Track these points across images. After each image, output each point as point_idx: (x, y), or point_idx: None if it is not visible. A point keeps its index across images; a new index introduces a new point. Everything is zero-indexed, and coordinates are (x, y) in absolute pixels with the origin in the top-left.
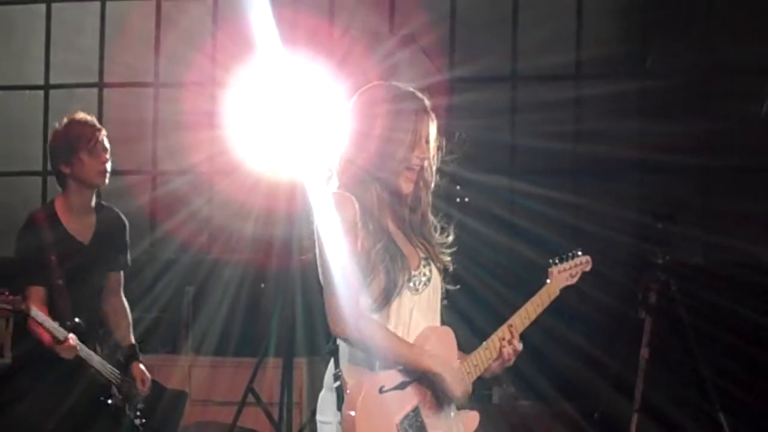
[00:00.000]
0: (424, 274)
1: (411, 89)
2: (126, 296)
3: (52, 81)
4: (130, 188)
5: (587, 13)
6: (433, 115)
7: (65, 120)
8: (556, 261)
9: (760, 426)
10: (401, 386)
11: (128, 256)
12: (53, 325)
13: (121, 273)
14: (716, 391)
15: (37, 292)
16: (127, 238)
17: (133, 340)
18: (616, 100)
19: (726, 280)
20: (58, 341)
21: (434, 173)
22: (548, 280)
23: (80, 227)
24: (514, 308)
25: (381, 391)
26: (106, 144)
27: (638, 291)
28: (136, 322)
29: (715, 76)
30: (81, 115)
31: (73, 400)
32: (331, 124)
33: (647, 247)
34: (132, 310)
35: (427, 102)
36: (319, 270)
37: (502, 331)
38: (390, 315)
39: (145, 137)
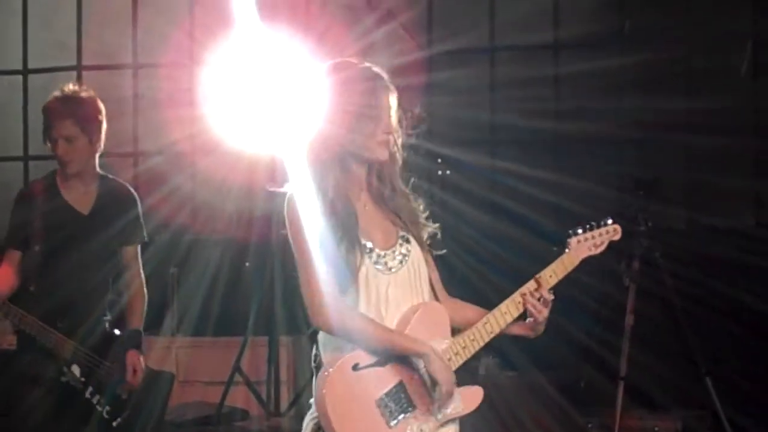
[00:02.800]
0: (400, 253)
1: (373, 66)
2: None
3: (30, 61)
4: (112, 167)
5: None
6: (393, 89)
7: (54, 94)
8: (578, 231)
9: (744, 390)
10: (380, 363)
11: (143, 230)
12: None
13: (137, 248)
14: (702, 356)
15: (12, 255)
16: (139, 210)
17: (138, 326)
18: (595, 75)
19: (707, 247)
20: None
21: (399, 146)
22: (566, 250)
23: (79, 197)
24: (495, 285)
25: (355, 368)
26: (97, 115)
27: (621, 259)
28: (115, 303)
29: (695, 48)
30: (67, 89)
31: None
32: (309, 100)
33: (629, 214)
34: (113, 289)
35: (385, 76)
36: (296, 256)
37: (527, 285)
38: (359, 294)
39: (126, 116)
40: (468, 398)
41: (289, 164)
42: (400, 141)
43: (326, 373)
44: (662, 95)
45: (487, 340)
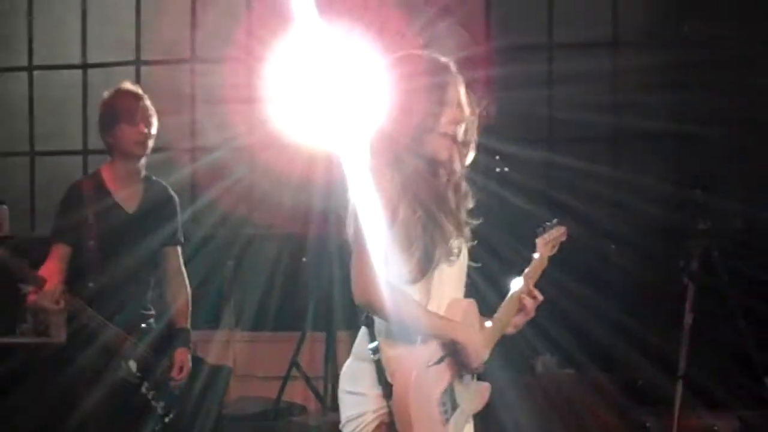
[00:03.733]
0: (456, 247)
1: (439, 57)
2: None
3: (89, 57)
4: (171, 162)
5: None
6: (462, 81)
7: (112, 90)
8: (540, 231)
9: None
10: (440, 360)
11: (179, 230)
12: (25, 271)
13: (178, 249)
14: (760, 356)
15: (61, 249)
16: (178, 212)
17: (185, 324)
18: (652, 70)
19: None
20: (37, 286)
21: (470, 141)
22: (535, 255)
23: (126, 196)
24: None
25: (428, 365)
26: (149, 114)
27: (680, 258)
28: (156, 301)
29: (754, 46)
30: (126, 86)
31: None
32: (368, 95)
33: (687, 215)
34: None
35: (454, 68)
36: (353, 240)
37: (512, 299)
38: (431, 287)
39: (185, 111)
40: (482, 394)
41: (348, 159)
42: (472, 136)
43: (409, 371)
44: (719, 93)
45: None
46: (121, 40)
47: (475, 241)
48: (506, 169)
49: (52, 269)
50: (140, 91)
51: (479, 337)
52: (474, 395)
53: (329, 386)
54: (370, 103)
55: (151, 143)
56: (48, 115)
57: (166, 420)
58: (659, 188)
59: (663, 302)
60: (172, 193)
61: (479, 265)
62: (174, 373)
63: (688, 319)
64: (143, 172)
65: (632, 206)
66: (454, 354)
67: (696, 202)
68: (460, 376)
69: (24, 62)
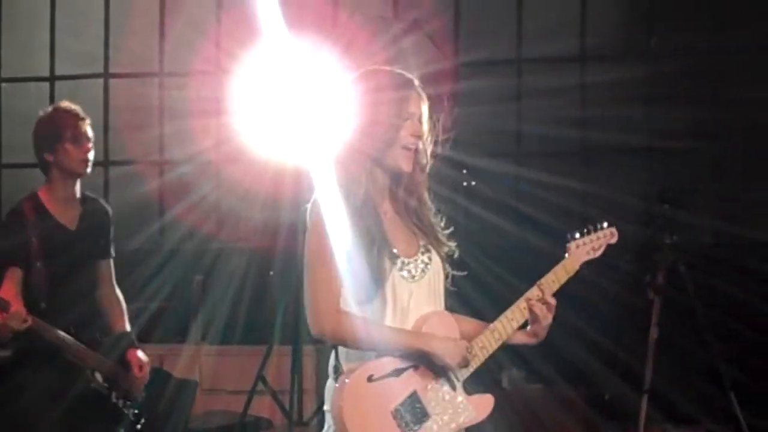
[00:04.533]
0: (423, 261)
1: (402, 72)
2: (134, 284)
3: (57, 70)
4: (138, 176)
5: None
6: (425, 96)
7: (50, 108)
8: (576, 235)
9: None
10: (395, 373)
11: (111, 243)
12: None
13: (111, 261)
14: (726, 370)
15: (14, 272)
16: (112, 227)
17: (127, 327)
18: (621, 85)
19: (734, 260)
20: (2, 309)
21: (428, 155)
22: (566, 255)
23: (67, 216)
24: (519, 293)
25: (370, 379)
26: (90, 133)
27: (647, 272)
28: (142, 311)
29: (721, 59)
30: (65, 104)
31: (72, 393)
32: (335, 109)
33: (655, 229)
34: (140, 298)
35: (418, 83)
36: (307, 261)
37: (531, 292)
38: (386, 302)
39: (152, 125)
40: (480, 406)
41: (315, 173)
42: (429, 150)
43: (342, 384)
44: (689, 106)
45: (496, 347)
46: (90, 54)
47: (455, 252)
48: (473, 183)
49: (11, 292)
50: (82, 113)
51: (453, 344)
52: (463, 407)
53: (295, 400)
54: (337, 117)
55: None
56: (15, 127)
57: (138, 426)
58: (628, 202)
59: (630, 316)
60: (109, 209)
61: (464, 273)
62: (135, 372)
63: (653, 333)
64: (79, 190)
65: (601, 220)
66: (422, 366)
67: (664, 216)
68: (440, 388)
69: None
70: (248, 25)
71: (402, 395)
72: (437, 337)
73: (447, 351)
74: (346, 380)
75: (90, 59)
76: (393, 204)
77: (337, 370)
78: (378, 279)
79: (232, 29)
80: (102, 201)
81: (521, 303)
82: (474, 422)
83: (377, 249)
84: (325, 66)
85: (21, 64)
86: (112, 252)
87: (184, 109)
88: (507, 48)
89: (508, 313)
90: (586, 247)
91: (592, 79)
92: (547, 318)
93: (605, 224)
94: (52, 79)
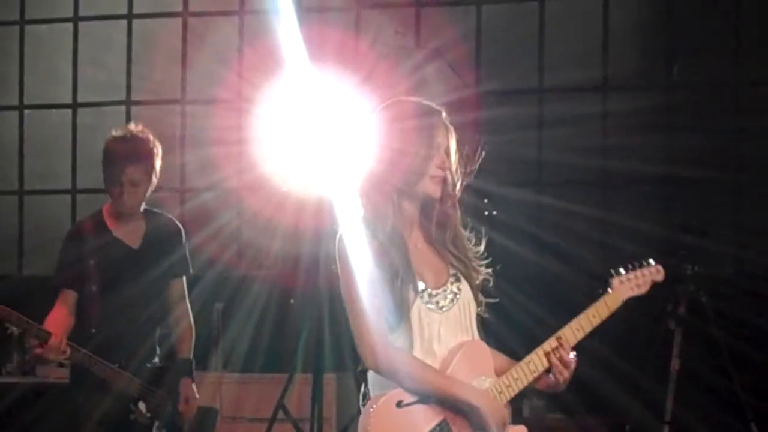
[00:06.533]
0: (452, 291)
1: (429, 103)
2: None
3: (80, 98)
4: (159, 203)
5: (613, 27)
6: (452, 128)
7: (122, 132)
8: (620, 271)
9: None
10: (424, 400)
11: (189, 262)
12: (29, 326)
13: (183, 279)
14: (748, 401)
15: (67, 295)
16: (184, 243)
17: (188, 354)
18: (642, 114)
19: (756, 290)
20: (42, 341)
21: (458, 186)
22: (609, 290)
23: (128, 232)
24: (541, 322)
25: (399, 405)
26: (157, 162)
27: (668, 303)
28: (165, 338)
29: (742, 89)
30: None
31: (104, 411)
32: (358, 139)
33: (676, 260)
34: (161, 325)
35: (445, 114)
36: (345, 298)
37: (549, 342)
38: (411, 332)
39: (174, 152)
40: None
41: (338, 204)
42: (459, 180)
43: (371, 410)
44: (710, 135)
45: (515, 393)
46: (112, 81)
47: (490, 280)
48: (495, 212)
49: (58, 319)
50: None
51: (498, 405)
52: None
53: (316, 428)
54: (360, 148)
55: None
56: (37, 155)
57: None
58: (649, 231)
59: (652, 345)
60: (178, 224)
61: (496, 300)
62: (181, 406)
63: (675, 364)
64: (143, 206)
65: (621, 249)
66: (470, 416)
67: (686, 246)
68: (461, 415)
69: (15, 101)
70: (271, 55)
71: (432, 422)
72: (486, 395)
73: (492, 411)
74: (374, 405)
75: (112, 88)
76: (423, 233)
77: (365, 398)
78: (401, 310)
79: (255, 59)
80: (169, 216)
81: (540, 352)
82: None
83: (401, 281)
84: (347, 96)
85: (44, 92)
86: (186, 269)
87: (206, 137)
88: (528, 77)
89: (528, 359)
90: (630, 283)
91: (613, 108)
92: (563, 374)
93: (651, 261)
94: (75, 106)
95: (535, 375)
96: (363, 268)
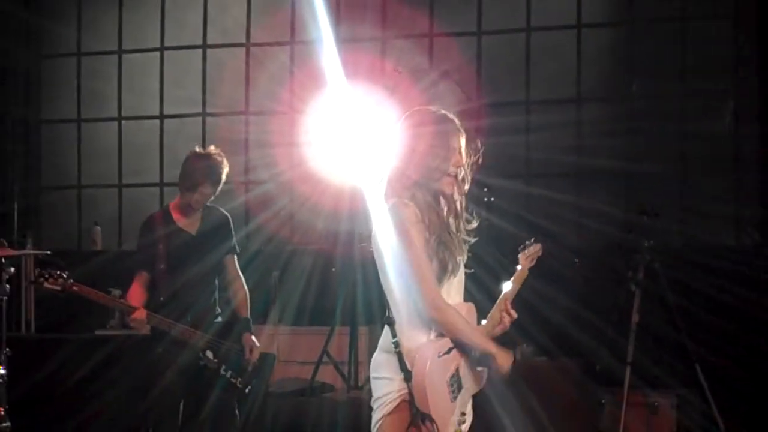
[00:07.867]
0: (459, 261)
1: (445, 112)
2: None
3: (165, 111)
4: (229, 193)
5: (585, 52)
6: (463, 131)
7: (203, 151)
8: (523, 248)
9: (727, 371)
10: (448, 351)
11: (236, 244)
12: (120, 304)
13: (234, 257)
14: (693, 347)
15: (141, 276)
16: (232, 228)
17: (245, 314)
18: (609, 120)
19: (698, 260)
20: (130, 312)
21: (468, 179)
22: (518, 266)
23: (189, 223)
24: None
25: (439, 355)
26: (223, 177)
27: (629, 270)
28: (225, 303)
29: (686, 100)
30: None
31: (178, 360)
32: (384, 141)
33: (635, 236)
34: (220, 292)
35: (458, 121)
36: (389, 267)
37: (500, 302)
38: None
39: (240, 153)
40: (477, 378)
41: (369, 192)
42: (469, 174)
43: (424, 361)
44: (661, 137)
45: (492, 332)
46: (191, 97)
47: (469, 254)
48: (492, 199)
49: (137, 294)
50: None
51: (510, 356)
52: (474, 379)
53: (352, 370)
54: (386, 147)
55: None
56: (132, 155)
57: (240, 386)
58: (613, 214)
59: (616, 303)
60: (227, 214)
61: (471, 270)
62: (246, 354)
63: (635, 318)
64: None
65: (592, 228)
66: (482, 361)
67: (642, 225)
68: (462, 365)
69: (114, 113)
70: (316, 76)
71: (451, 369)
72: (501, 348)
73: (506, 361)
74: (428, 357)
75: (191, 103)
76: (436, 219)
77: (398, 346)
78: (446, 273)
79: (303, 78)
80: (220, 209)
81: (496, 309)
82: (475, 391)
83: (451, 247)
84: (376, 107)
85: (137, 106)
86: (236, 249)
87: (265, 140)
88: (518, 92)
89: (493, 313)
90: (528, 258)
91: (586, 116)
92: (507, 326)
93: (533, 240)
94: (161, 117)
95: (496, 324)
96: (418, 239)
